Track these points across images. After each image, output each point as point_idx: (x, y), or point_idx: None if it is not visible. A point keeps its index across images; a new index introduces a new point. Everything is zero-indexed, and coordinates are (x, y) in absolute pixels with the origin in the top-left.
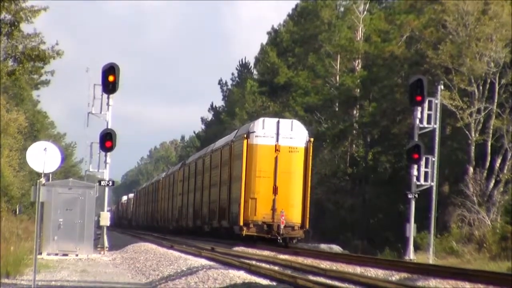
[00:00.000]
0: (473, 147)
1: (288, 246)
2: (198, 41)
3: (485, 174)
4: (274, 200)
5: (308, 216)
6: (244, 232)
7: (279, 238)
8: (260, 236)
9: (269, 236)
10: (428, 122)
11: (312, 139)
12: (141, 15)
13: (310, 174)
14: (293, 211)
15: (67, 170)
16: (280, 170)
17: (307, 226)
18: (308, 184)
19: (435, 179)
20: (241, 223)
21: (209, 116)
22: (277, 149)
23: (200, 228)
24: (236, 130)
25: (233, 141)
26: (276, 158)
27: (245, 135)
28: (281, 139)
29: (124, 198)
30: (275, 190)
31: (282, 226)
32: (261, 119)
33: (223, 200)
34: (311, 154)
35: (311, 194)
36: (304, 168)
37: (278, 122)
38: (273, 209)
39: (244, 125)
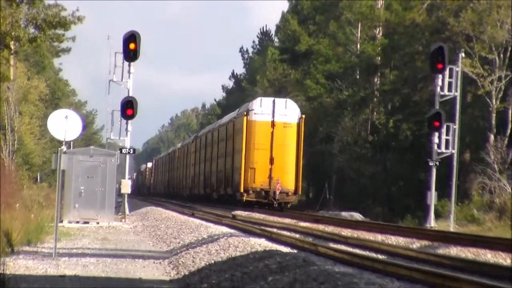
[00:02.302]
0: (494, 115)
1: (283, 210)
2: (218, 9)
3: (506, 142)
4: (270, 170)
5: (300, 183)
6: (245, 198)
7: (275, 203)
8: (258, 201)
9: (266, 201)
10: (449, 89)
11: (303, 116)
12: None
13: (302, 147)
14: (287, 179)
15: (88, 137)
16: (276, 143)
17: (300, 192)
18: (300, 155)
19: (456, 147)
20: (242, 190)
21: (230, 84)
22: (273, 124)
23: (210, 195)
24: (239, 108)
25: (235, 117)
26: (272, 133)
27: (245, 113)
28: (276, 116)
29: (143, 166)
30: (271, 161)
31: (277, 192)
32: (258, 99)
33: (227, 170)
34: (302, 129)
35: (302, 164)
36: (296, 141)
37: (273, 101)
38: (270, 178)
39: (244, 104)
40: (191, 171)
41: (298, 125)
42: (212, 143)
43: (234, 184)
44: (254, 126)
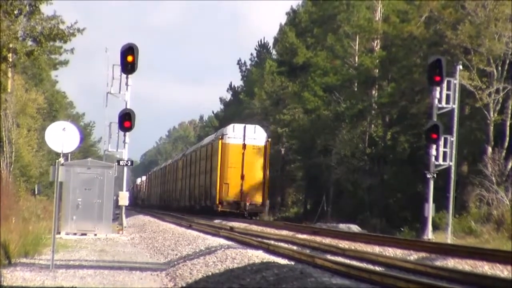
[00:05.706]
0: (492, 127)
1: (252, 219)
2: (216, 20)
3: (503, 154)
4: (241, 185)
5: (267, 196)
6: (220, 209)
7: (245, 213)
8: (231, 212)
9: (238, 211)
10: (447, 102)
11: (270, 139)
12: None
13: (268, 165)
14: (256, 193)
15: (86, 149)
16: (246, 162)
17: (265, 205)
18: (267, 172)
19: (453, 159)
20: (217, 202)
21: (228, 96)
22: (244, 147)
23: (193, 206)
24: (216, 132)
25: (213, 140)
26: (243, 154)
27: (220, 137)
28: (247, 140)
29: (139, 180)
30: (242, 177)
31: (247, 204)
32: (231, 125)
33: (207, 184)
34: (269, 150)
35: (269, 180)
36: (263, 161)
37: (244, 127)
38: (241, 192)
39: (220, 129)
40: (179, 185)
41: (265, 147)
42: (196, 161)
43: (211, 197)
44: (228, 148)
